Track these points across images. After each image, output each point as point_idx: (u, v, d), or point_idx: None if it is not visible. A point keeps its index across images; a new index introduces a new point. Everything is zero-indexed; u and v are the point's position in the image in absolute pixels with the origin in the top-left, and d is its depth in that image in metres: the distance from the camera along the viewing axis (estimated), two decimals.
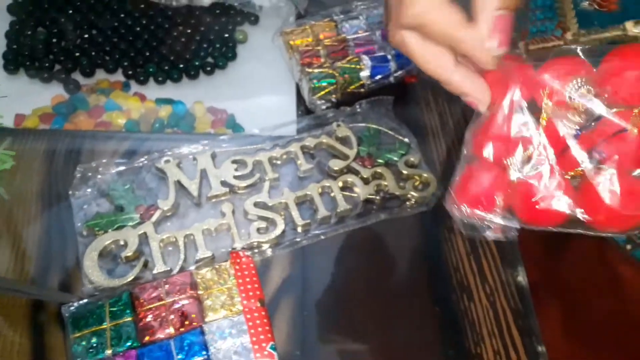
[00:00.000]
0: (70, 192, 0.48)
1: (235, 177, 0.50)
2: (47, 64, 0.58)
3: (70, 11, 0.63)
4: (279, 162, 0.52)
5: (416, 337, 0.46)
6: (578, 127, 0.29)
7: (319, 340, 0.44)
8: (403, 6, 0.33)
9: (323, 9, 0.62)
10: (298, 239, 0.49)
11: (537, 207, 0.30)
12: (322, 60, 0.58)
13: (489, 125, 0.32)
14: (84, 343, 0.37)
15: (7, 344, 0.41)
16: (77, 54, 0.60)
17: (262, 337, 0.38)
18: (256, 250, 0.47)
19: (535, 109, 0.31)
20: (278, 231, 0.48)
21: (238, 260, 0.41)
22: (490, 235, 0.33)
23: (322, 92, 0.56)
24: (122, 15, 0.63)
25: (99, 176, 0.49)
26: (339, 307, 0.46)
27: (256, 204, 0.49)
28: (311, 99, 0.56)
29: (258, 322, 0.39)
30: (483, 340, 0.46)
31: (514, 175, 0.30)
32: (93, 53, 0.60)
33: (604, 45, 0.32)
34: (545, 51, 0.50)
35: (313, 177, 0.52)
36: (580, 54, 0.30)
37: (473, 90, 0.34)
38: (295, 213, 0.49)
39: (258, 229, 0.48)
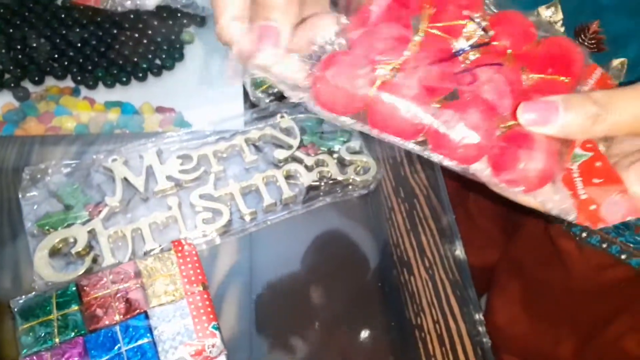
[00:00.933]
0: (19, 194, 0.50)
1: (181, 172, 0.52)
2: None
3: (18, 21, 0.64)
4: (224, 155, 0.54)
5: (360, 312, 0.48)
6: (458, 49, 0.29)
7: (268, 322, 0.46)
8: None
9: None
10: (245, 227, 0.51)
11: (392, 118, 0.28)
12: None
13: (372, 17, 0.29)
14: (32, 334, 0.39)
15: None
16: (26, 63, 0.61)
17: (204, 318, 0.40)
18: (203, 239, 0.49)
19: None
20: (224, 221, 0.50)
21: (180, 248, 0.43)
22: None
23: (264, 87, 0.58)
24: (70, 23, 0.65)
25: (48, 177, 0.51)
26: (286, 288, 0.49)
27: (202, 196, 0.51)
28: (254, 92, 0.58)
29: (200, 304, 0.41)
30: (423, 311, 0.48)
31: (380, 77, 0.28)
32: (42, 61, 0.61)
33: None
34: None
35: (259, 168, 0.55)
36: None
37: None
38: (240, 202, 0.51)
39: (204, 220, 0.50)
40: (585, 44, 0.45)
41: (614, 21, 0.43)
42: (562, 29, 0.46)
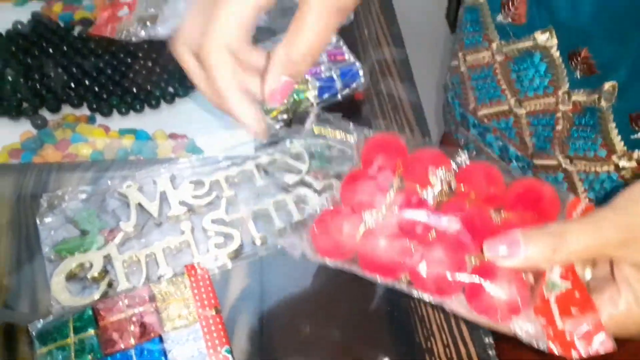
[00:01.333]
0: (37, 220, 0.51)
1: (194, 197, 0.53)
2: (15, 103, 0.62)
3: (36, 51, 0.66)
4: (235, 180, 0.56)
5: (369, 336, 0.49)
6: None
7: (278, 346, 0.47)
8: (209, 30, 0.37)
9: (273, 36, 0.66)
10: (256, 251, 0.52)
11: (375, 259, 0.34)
12: None
13: (358, 178, 0.36)
14: (49, 357, 0.40)
15: None
16: (44, 92, 0.63)
17: (217, 342, 0.41)
18: (215, 264, 0.50)
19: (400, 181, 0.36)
20: (235, 245, 0.51)
21: (193, 272, 0.44)
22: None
23: (274, 114, 0.60)
24: (86, 53, 0.67)
25: (65, 204, 0.52)
26: (297, 312, 0.49)
27: (214, 221, 0.52)
28: (264, 117, 0.60)
29: (213, 328, 0.42)
30: (433, 335, 0.49)
31: (363, 227, 0.35)
32: (58, 90, 0.63)
33: None
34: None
35: (269, 193, 0.56)
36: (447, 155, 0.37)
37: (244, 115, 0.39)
38: (251, 227, 0.52)
39: (216, 244, 0.51)
40: (579, 67, 0.46)
41: (602, 48, 0.45)
42: (557, 53, 0.48)
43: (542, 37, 0.48)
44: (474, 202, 0.34)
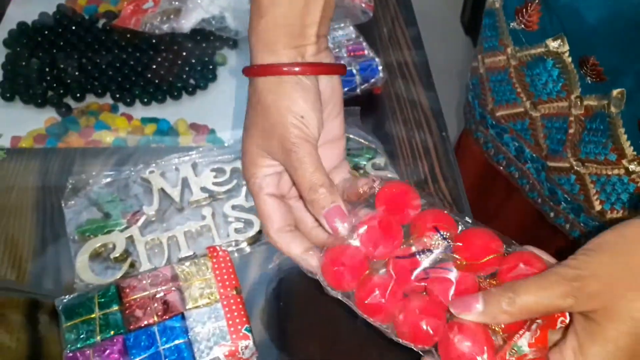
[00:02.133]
0: (62, 203, 0.52)
1: (215, 184, 0.55)
2: (40, 91, 0.63)
3: (62, 42, 0.68)
4: None
5: None
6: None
7: (294, 329, 0.48)
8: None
9: None
10: None
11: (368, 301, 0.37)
12: None
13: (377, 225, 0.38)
14: (75, 331, 0.41)
15: (5, 339, 0.45)
16: (68, 81, 0.65)
17: (237, 320, 0.42)
18: (235, 248, 0.51)
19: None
20: (254, 231, 0.52)
21: (215, 254, 0.45)
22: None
23: None
24: (110, 44, 0.68)
25: (89, 187, 0.53)
26: (313, 297, 0.50)
27: (234, 207, 0.53)
28: None
29: (234, 307, 0.43)
30: None
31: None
32: (83, 79, 0.65)
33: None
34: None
35: None
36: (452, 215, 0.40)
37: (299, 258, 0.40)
38: None
39: (236, 229, 0.52)
40: (589, 74, 0.47)
41: (609, 56, 0.46)
42: (570, 59, 0.49)
43: (554, 44, 0.49)
44: (466, 267, 0.37)
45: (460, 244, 0.37)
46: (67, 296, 0.43)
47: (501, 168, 0.63)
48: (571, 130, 0.51)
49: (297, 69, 0.39)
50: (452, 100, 0.68)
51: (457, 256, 0.37)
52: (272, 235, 0.41)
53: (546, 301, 0.31)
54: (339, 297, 0.39)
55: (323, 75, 0.41)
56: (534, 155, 0.57)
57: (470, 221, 0.39)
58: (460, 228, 0.39)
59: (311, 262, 0.40)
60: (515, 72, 0.55)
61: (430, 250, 0.37)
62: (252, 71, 0.40)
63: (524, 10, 0.51)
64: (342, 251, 0.38)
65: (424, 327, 0.35)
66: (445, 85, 0.68)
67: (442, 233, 0.38)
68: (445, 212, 0.40)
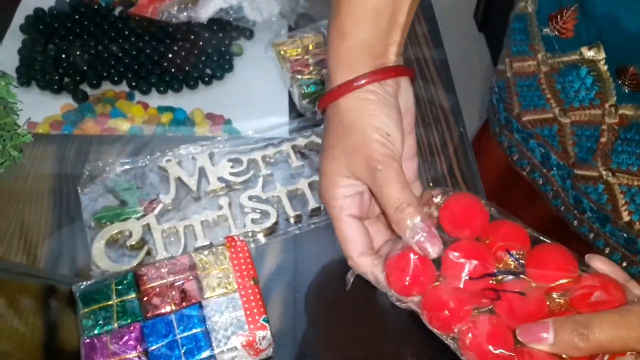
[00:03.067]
0: (79, 189, 0.52)
1: (232, 174, 0.54)
2: (56, 77, 0.63)
3: (78, 29, 0.68)
4: (272, 160, 0.56)
5: (401, 312, 0.49)
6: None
7: (310, 320, 0.47)
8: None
9: (312, 23, 0.67)
10: (290, 229, 0.52)
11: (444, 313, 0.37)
12: (311, 68, 0.62)
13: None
14: (92, 317, 0.41)
15: (20, 325, 0.44)
16: (85, 68, 0.64)
17: (255, 310, 0.42)
18: (251, 239, 0.51)
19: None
20: (271, 222, 0.51)
21: (233, 244, 0.45)
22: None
23: (312, 97, 0.60)
24: (127, 32, 0.68)
25: (105, 174, 0.53)
26: (328, 289, 0.50)
27: (251, 198, 0.53)
28: (301, 103, 0.61)
29: (252, 298, 0.42)
30: None
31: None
32: (99, 67, 0.65)
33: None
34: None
35: (304, 173, 0.56)
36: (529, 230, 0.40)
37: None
38: (287, 205, 0.53)
39: (253, 220, 0.52)
40: (627, 83, 0.46)
41: None
42: (605, 67, 0.47)
43: (590, 53, 0.47)
44: (537, 288, 0.36)
45: (533, 265, 0.37)
46: (84, 282, 0.43)
47: (524, 173, 0.62)
48: (603, 139, 0.50)
49: (377, 76, 0.39)
50: (466, 98, 0.67)
51: (528, 279, 0.37)
52: (356, 259, 0.40)
53: (621, 342, 0.32)
54: (414, 308, 0.39)
55: (404, 77, 0.41)
56: (561, 162, 0.56)
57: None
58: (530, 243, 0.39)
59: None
60: (546, 78, 0.54)
61: (502, 272, 0.37)
62: (333, 93, 0.40)
63: (559, 16, 0.50)
64: (407, 260, 0.38)
65: (492, 351, 0.34)
66: (459, 83, 0.67)
67: (513, 254, 0.38)
68: (517, 223, 0.40)
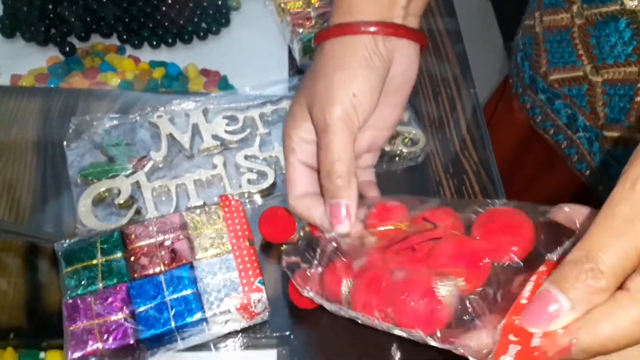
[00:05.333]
0: (64, 144, 0.49)
1: (227, 132, 0.51)
2: (43, 29, 0.59)
3: None
4: (269, 118, 0.53)
5: None
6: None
7: None
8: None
9: None
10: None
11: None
12: (313, 22, 0.59)
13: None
14: (76, 277, 0.38)
15: (2, 283, 0.42)
16: (73, 19, 0.61)
17: (250, 272, 0.39)
18: (247, 199, 0.48)
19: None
20: (268, 183, 0.49)
21: (227, 203, 0.42)
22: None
23: (313, 52, 0.57)
24: None
25: (93, 129, 0.50)
26: None
27: (247, 157, 0.50)
28: (302, 59, 0.57)
29: (247, 259, 0.40)
30: None
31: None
32: (88, 18, 0.61)
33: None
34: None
35: None
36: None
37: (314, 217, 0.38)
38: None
39: (249, 180, 0.49)
40: None
41: None
42: None
43: (632, 3, 0.44)
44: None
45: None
46: (67, 240, 0.40)
47: (547, 136, 0.59)
48: (638, 99, 0.47)
49: (372, 28, 0.36)
50: (475, 64, 0.63)
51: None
52: (292, 201, 0.39)
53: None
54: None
55: (402, 38, 0.37)
56: (588, 124, 0.53)
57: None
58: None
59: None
60: (579, 32, 0.50)
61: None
62: (323, 33, 0.37)
63: None
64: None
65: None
66: (470, 53, 0.64)
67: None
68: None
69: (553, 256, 0.28)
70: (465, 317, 0.30)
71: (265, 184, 0.49)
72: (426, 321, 0.31)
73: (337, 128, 0.35)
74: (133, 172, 0.48)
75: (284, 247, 0.41)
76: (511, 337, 0.26)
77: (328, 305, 0.36)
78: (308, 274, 0.38)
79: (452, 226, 0.35)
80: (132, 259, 0.39)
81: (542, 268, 0.27)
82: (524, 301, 0.26)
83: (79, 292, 0.38)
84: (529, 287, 0.26)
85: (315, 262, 0.38)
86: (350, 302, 0.36)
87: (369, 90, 0.36)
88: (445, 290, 0.30)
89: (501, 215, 0.34)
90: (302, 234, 0.40)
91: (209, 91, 0.57)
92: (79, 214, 0.45)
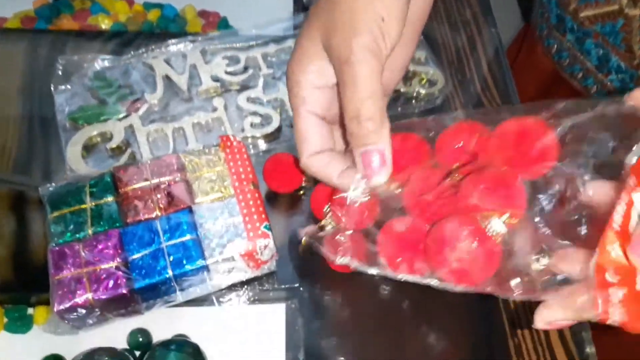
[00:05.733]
0: (52, 87, 0.45)
1: (227, 73, 0.47)
2: None
3: None
4: (273, 58, 0.49)
5: None
6: None
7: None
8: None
9: None
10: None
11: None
12: None
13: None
14: (63, 222, 0.35)
15: None
16: None
17: (255, 217, 0.35)
18: (251, 144, 0.44)
19: None
20: (273, 127, 0.45)
21: (229, 144, 0.38)
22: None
23: None
24: None
25: (83, 71, 0.46)
26: None
27: (250, 100, 0.46)
28: None
29: (251, 203, 0.36)
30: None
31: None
32: None
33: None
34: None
35: None
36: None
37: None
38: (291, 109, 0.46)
39: (252, 124, 0.45)
40: None
41: None
42: None
43: None
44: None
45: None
46: (52, 184, 0.36)
47: (575, 82, 0.54)
48: None
49: None
50: (495, 6, 0.58)
51: None
52: (305, 160, 0.32)
53: None
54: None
55: None
56: (622, 64, 0.48)
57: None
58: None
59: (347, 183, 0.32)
60: None
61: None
62: None
63: None
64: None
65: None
66: None
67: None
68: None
69: (632, 158, 0.23)
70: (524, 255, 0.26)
71: (270, 128, 0.45)
72: (485, 266, 0.27)
73: (365, 60, 0.29)
74: (126, 116, 0.44)
75: (304, 240, 0.36)
76: (609, 276, 0.21)
77: (364, 269, 0.32)
78: (339, 238, 0.33)
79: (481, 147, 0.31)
80: (125, 202, 0.36)
81: (630, 181, 0.22)
82: (617, 227, 0.21)
83: (66, 238, 0.34)
84: (620, 208, 0.21)
85: (343, 225, 0.33)
86: (388, 261, 0.31)
87: (399, 15, 0.30)
88: (497, 227, 0.26)
89: (517, 127, 0.30)
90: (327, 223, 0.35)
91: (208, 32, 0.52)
92: (67, 160, 0.41)
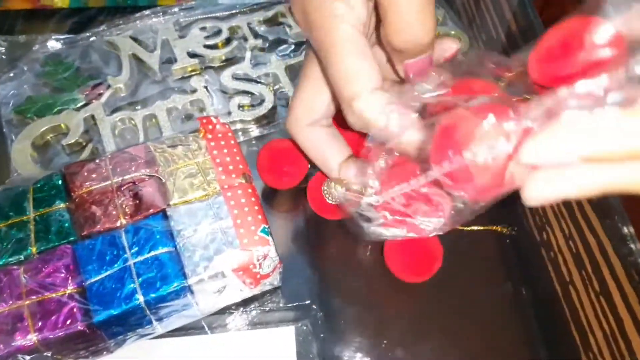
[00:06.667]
0: None
1: (207, 47, 0.39)
2: None
3: None
4: (262, 27, 0.41)
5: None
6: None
7: (327, 238, 0.33)
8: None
9: None
10: None
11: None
12: None
13: None
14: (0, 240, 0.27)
15: None
16: None
17: (249, 219, 0.27)
18: (240, 130, 0.36)
19: None
20: (266, 107, 0.37)
21: (210, 127, 0.30)
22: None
23: None
24: None
25: (33, 55, 0.38)
26: None
27: (236, 77, 0.38)
28: None
29: (243, 201, 0.28)
30: (549, 224, 0.35)
31: None
32: None
33: None
34: None
35: (307, 43, 0.41)
36: None
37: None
38: (287, 84, 0.38)
39: (240, 106, 0.37)
40: None
41: None
42: None
43: None
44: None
45: None
46: None
47: None
48: None
49: None
50: None
51: None
52: (367, 96, 0.23)
53: None
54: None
55: None
56: None
57: None
58: None
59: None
60: None
61: None
62: None
63: None
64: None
65: None
66: None
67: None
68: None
69: None
70: None
71: (262, 110, 0.36)
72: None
73: None
74: (85, 105, 0.36)
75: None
76: None
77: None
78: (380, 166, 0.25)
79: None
80: (79, 210, 0.28)
81: None
82: None
83: (1, 261, 0.26)
84: None
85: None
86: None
87: None
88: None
89: None
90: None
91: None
92: (13, 161, 0.33)
